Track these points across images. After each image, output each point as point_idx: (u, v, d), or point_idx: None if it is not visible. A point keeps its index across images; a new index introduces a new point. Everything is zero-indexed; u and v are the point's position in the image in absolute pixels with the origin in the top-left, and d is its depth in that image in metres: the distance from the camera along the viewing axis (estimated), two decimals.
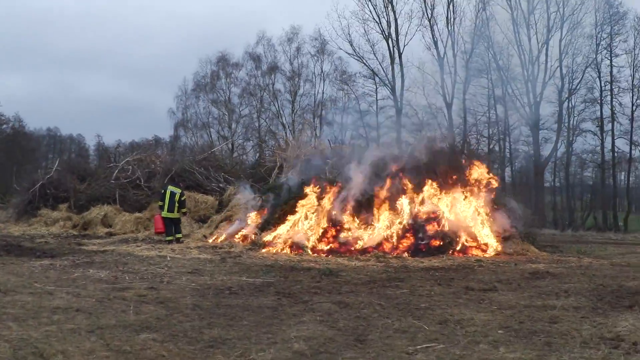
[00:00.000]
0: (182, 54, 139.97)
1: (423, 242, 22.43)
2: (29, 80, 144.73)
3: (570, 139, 62.01)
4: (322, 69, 72.53)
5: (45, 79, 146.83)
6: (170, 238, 23.55)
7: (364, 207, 23.76)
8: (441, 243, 22.50)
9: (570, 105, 61.22)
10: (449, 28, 61.28)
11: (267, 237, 22.88)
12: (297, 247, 21.95)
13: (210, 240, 24.40)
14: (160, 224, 23.72)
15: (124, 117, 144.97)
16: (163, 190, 24.60)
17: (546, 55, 58.84)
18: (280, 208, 24.70)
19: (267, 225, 24.23)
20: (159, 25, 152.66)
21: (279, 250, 21.79)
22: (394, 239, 22.59)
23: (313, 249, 22.00)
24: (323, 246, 22.31)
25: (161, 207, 23.99)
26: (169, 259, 18.41)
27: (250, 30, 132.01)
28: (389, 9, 62.80)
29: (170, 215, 23.72)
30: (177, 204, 23.85)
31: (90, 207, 31.12)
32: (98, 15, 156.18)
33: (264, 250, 21.81)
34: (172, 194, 23.85)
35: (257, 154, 60.00)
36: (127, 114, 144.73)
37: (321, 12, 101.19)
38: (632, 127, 59.77)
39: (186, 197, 25.21)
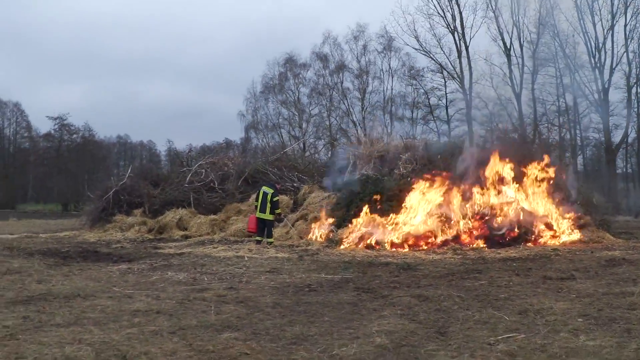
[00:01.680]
0: (244, 56, 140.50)
1: (499, 233, 22.23)
2: (90, 89, 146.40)
3: None
4: (389, 65, 72.57)
5: (106, 87, 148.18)
6: (259, 238, 23.28)
7: (445, 200, 23.58)
8: (517, 233, 22.31)
9: (638, 90, 60.30)
10: (514, 18, 60.86)
11: (344, 234, 22.76)
12: (373, 242, 21.85)
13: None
14: (253, 224, 23.61)
15: (191, 121, 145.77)
16: (257, 191, 24.48)
17: (612, 41, 58.18)
18: (355, 205, 24.57)
19: (343, 222, 24.14)
20: (217, 28, 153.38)
21: (356, 246, 21.68)
22: (471, 231, 22.45)
23: (391, 243, 21.87)
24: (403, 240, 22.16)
25: (256, 207, 23.81)
26: (246, 259, 18.42)
27: (315, 30, 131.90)
28: (453, 2, 62.77)
29: (262, 215, 23.33)
30: (269, 205, 23.30)
31: (164, 211, 31.30)
32: (153, 19, 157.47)
33: (341, 247, 21.72)
34: (265, 194, 23.40)
35: (330, 153, 60.07)
36: (194, 118, 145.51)
37: (386, 8, 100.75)
38: None
39: (278, 198, 24.49)
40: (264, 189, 23.78)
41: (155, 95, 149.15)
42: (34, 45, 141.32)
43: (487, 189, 23.73)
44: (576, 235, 22.89)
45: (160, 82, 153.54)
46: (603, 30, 58.37)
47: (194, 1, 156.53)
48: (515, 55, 61.36)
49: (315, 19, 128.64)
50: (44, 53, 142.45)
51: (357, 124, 69.93)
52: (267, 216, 23.26)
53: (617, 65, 58.29)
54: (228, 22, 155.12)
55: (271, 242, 23.14)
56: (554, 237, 22.64)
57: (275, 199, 23.53)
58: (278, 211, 24.17)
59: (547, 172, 24.44)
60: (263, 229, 23.41)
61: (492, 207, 23.20)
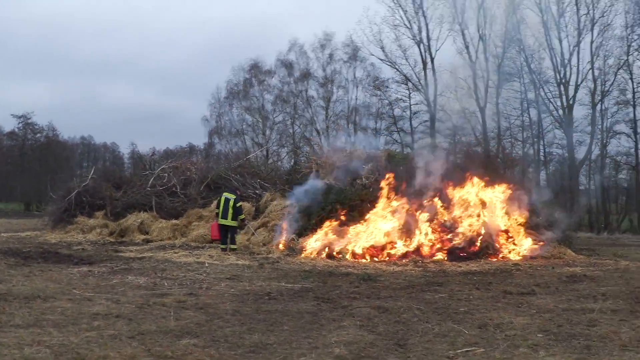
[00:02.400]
0: (208, 60, 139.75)
1: (460, 247, 22.37)
2: (55, 88, 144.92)
3: (604, 141, 61.72)
4: (354, 75, 72.59)
5: (71, 87, 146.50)
6: (224, 246, 22.88)
7: (406, 213, 23.68)
8: (479, 247, 22.43)
9: (603, 107, 60.93)
10: (480, 32, 61.18)
11: (305, 243, 22.80)
12: (334, 252, 21.91)
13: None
14: (216, 232, 23.30)
15: (155, 125, 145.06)
16: (218, 198, 24.21)
17: (578, 57, 58.68)
18: (317, 214, 24.60)
19: (304, 230, 24.17)
20: (181, 31, 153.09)
21: (317, 256, 21.74)
22: (432, 244, 22.57)
23: (353, 254, 21.96)
24: (364, 251, 22.24)
25: (217, 215, 23.43)
26: (207, 265, 18.44)
27: (281, 36, 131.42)
28: (420, 14, 62.81)
29: (224, 222, 22.99)
30: (231, 210, 23.00)
31: (126, 215, 31.19)
32: (118, 21, 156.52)
33: (302, 256, 21.77)
34: (227, 200, 23.16)
35: (292, 160, 60.08)
36: (158, 122, 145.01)
37: (353, 18, 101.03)
38: None
39: (241, 204, 24.20)
40: (226, 195, 23.64)
41: (119, 97, 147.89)
42: None
43: (449, 202, 23.86)
44: (537, 250, 23.06)
45: (125, 84, 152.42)
46: (569, 46, 58.93)
47: (159, 4, 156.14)
48: (481, 69, 61.74)
49: (281, 25, 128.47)
50: (7, 51, 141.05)
51: (321, 133, 69.98)
52: (230, 222, 23.00)
53: (582, 81, 58.88)
54: (192, 26, 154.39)
55: (234, 249, 22.91)
56: (515, 252, 22.80)
57: (238, 205, 23.40)
58: (242, 217, 24.00)
59: (509, 187, 24.61)
60: (226, 235, 23.11)
61: (454, 221, 23.32)
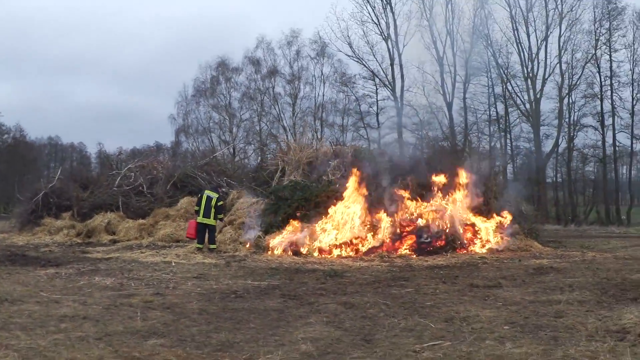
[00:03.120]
0: (174, 57, 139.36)
1: (426, 241, 22.50)
2: (19, 87, 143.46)
3: (572, 134, 62.34)
4: (322, 71, 72.50)
5: (36, 86, 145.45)
6: (200, 246, 22.53)
7: (372, 208, 23.78)
8: (445, 241, 22.57)
9: (570, 101, 61.57)
10: (448, 27, 61.46)
11: (272, 241, 22.85)
12: (300, 249, 21.97)
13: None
14: (193, 230, 22.98)
15: (122, 124, 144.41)
16: (200, 195, 23.86)
17: (545, 52, 59.42)
18: (284, 211, 24.65)
19: (270, 228, 24.21)
20: (143, 28, 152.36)
21: (283, 253, 21.80)
22: (398, 239, 22.68)
23: (319, 250, 22.05)
24: (330, 247, 22.33)
25: (197, 212, 23.09)
26: (173, 264, 18.46)
27: (247, 33, 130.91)
28: (388, 9, 63.05)
29: (205, 220, 22.70)
30: (213, 209, 22.77)
31: (93, 215, 31.07)
32: (81, 19, 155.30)
33: (268, 253, 21.82)
34: (209, 199, 22.90)
35: (259, 158, 60.02)
36: (124, 120, 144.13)
37: (320, 14, 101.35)
38: (632, 120, 60.25)
39: (223, 203, 24.17)
40: (208, 193, 23.37)
41: (85, 95, 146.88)
42: None
43: (416, 196, 23.98)
44: (504, 243, 23.24)
45: (90, 82, 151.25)
46: (537, 40, 59.44)
47: (122, 1, 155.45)
48: (448, 64, 62.01)
49: (247, 22, 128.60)
50: None
51: (288, 130, 69.84)
52: (211, 221, 22.86)
53: (549, 75, 59.41)
54: (156, 22, 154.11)
55: (214, 249, 22.87)
56: (481, 245, 22.97)
57: (220, 204, 23.24)
58: (221, 216, 23.67)
59: (476, 180, 24.76)
60: (204, 234, 22.89)
61: (420, 215, 23.44)
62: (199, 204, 23.17)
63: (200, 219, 22.78)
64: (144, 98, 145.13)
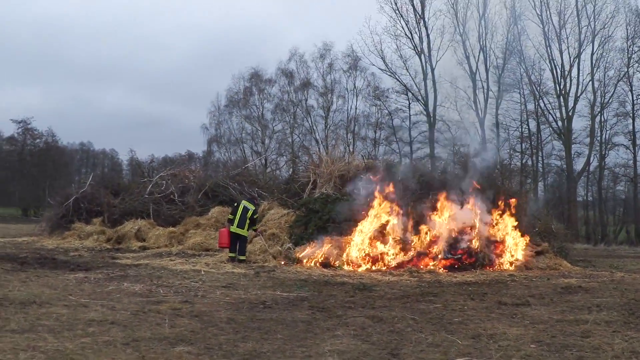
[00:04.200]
0: (204, 66, 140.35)
1: (456, 257, 22.39)
2: (50, 92, 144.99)
3: (603, 152, 62.04)
4: (354, 84, 72.72)
5: (67, 92, 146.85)
6: (232, 255, 22.39)
7: (403, 223, 23.70)
8: (474, 258, 22.45)
9: (602, 119, 61.34)
10: (481, 43, 61.39)
11: (302, 253, 22.79)
12: (330, 262, 21.89)
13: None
14: (226, 239, 22.57)
15: (153, 131, 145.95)
16: (236, 204, 23.68)
17: (578, 69, 59.20)
18: (314, 223, 24.60)
19: (300, 240, 24.17)
20: (173, 36, 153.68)
21: (313, 265, 21.75)
22: (427, 254, 22.59)
23: (348, 263, 21.98)
24: (360, 261, 22.24)
25: (230, 221, 22.75)
26: (203, 273, 18.44)
27: (279, 43, 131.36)
28: (421, 24, 63.10)
29: (239, 231, 22.44)
30: (248, 221, 22.62)
31: (123, 221, 31.23)
32: (105, 26, 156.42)
33: (298, 265, 21.77)
34: (245, 210, 22.74)
35: (291, 170, 60.18)
36: (156, 128, 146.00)
37: (353, 27, 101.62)
38: None
39: (258, 215, 24.08)
40: (245, 204, 23.14)
41: (115, 102, 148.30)
42: None
43: (446, 212, 23.87)
44: (533, 261, 23.09)
45: (119, 89, 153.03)
46: (570, 58, 59.26)
47: (152, 8, 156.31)
48: (481, 80, 61.96)
49: (277, 32, 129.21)
50: (2, 54, 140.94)
51: (320, 142, 69.99)
52: (244, 232, 22.67)
53: (582, 93, 59.20)
54: (182, 31, 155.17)
55: (244, 260, 22.45)
56: (511, 263, 22.83)
57: (256, 216, 23.22)
58: (255, 228, 23.55)
59: (507, 198, 24.65)
60: (236, 244, 22.58)
61: (450, 231, 23.34)
62: (234, 213, 22.92)
63: (234, 228, 22.47)
64: (174, 106, 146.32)
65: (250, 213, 22.74)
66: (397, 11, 63.53)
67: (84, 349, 8.15)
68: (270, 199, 30.87)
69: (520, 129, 65.47)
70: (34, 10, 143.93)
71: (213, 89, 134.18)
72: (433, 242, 23.03)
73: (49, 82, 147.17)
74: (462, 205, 24.07)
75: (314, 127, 73.75)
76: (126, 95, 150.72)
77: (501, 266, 22.64)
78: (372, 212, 23.84)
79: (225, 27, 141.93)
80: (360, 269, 21.54)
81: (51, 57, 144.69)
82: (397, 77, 65.42)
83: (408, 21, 63.51)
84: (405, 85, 65.73)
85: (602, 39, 58.65)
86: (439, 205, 23.99)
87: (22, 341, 8.43)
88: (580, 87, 59.45)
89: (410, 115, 69.39)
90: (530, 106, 63.33)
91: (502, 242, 23.55)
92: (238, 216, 22.60)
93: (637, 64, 59.95)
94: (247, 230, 22.74)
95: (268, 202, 30.05)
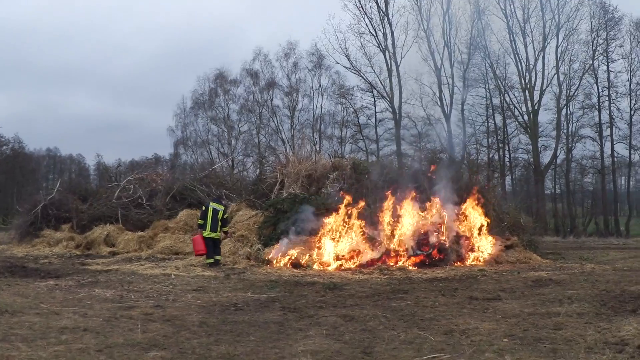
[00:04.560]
0: (167, 67, 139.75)
1: (426, 254, 22.51)
2: (13, 99, 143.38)
3: (570, 145, 62.38)
4: (319, 83, 72.76)
5: (30, 98, 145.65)
6: (210, 261, 21.84)
7: (369, 220, 23.79)
8: (444, 254, 22.58)
9: (568, 112, 61.68)
10: (445, 39, 61.58)
11: (271, 253, 22.81)
12: (300, 262, 21.92)
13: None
14: (202, 245, 21.90)
15: (119, 135, 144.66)
16: (204, 207, 22.92)
17: (543, 63, 59.44)
18: (283, 224, 24.65)
19: (269, 241, 24.21)
20: (135, 38, 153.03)
21: (283, 266, 21.79)
22: (397, 252, 22.68)
23: (318, 263, 22.04)
24: (330, 260, 22.29)
25: (201, 226, 22.18)
26: (173, 277, 18.44)
27: (242, 42, 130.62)
28: (385, 21, 63.11)
29: (213, 235, 22.11)
30: (220, 223, 22.34)
31: (92, 227, 31.12)
32: (67, 30, 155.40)
33: (268, 266, 21.79)
34: (215, 212, 22.31)
35: (258, 170, 60.17)
36: (121, 132, 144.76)
37: (317, 26, 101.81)
38: (630, 131, 60.46)
39: (228, 215, 23.88)
40: (214, 205, 22.72)
41: (79, 107, 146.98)
42: None
43: (414, 208, 23.96)
44: (503, 255, 23.27)
45: (82, 93, 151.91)
46: (534, 51, 59.57)
47: (111, 10, 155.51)
48: (446, 76, 62.16)
49: (238, 31, 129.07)
50: None
51: (286, 142, 69.97)
52: (218, 235, 22.53)
53: (547, 86, 59.54)
54: (142, 33, 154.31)
55: (219, 260, 22.28)
56: (480, 257, 22.98)
57: (226, 216, 23.22)
58: (226, 229, 23.25)
59: (474, 193, 24.79)
60: (212, 248, 22.12)
61: (418, 228, 23.43)
62: (203, 217, 22.40)
63: (207, 233, 22.10)
64: (139, 109, 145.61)
65: (220, 214, 22.49)
66: (360, 8, 63.65)
67: (58, 357, 8.17)
68: (238, 201, 30.87)
69: (486, 124, 65.77)
70: None
71: (178, 91, 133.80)
72: (402, 239, 23.13)
73: (11, 87, 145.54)
74: (430, 201, 24.19)
75: (280, 127, 73.79)
76: (90, 99, 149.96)
77: (471, 261, 22.80)
78: (340, 211, 23.89)
79: (188, 28, 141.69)
80: (330, 268, 21.60)
81: (13, 62, 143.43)
82: (361, 74, 65.50)
83: (372, 18, 63.65)
84: (370, 83, 65.84)
85: (567, 32, 59.04)
86: (406, 202, 24.08)
87: None
88: (545, 80, 59.85)
89: (375, 112, 69.59)
90: (496, 101, 63.67)
91: (471, 237, 23.71)
92: (209, 219, 22.20)
93: (602, 56, 60.43)
94: (220, 231, 22.54)
95: (236, 204, 30.05)
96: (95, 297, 13.97)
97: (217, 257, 22.24)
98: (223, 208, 22.97)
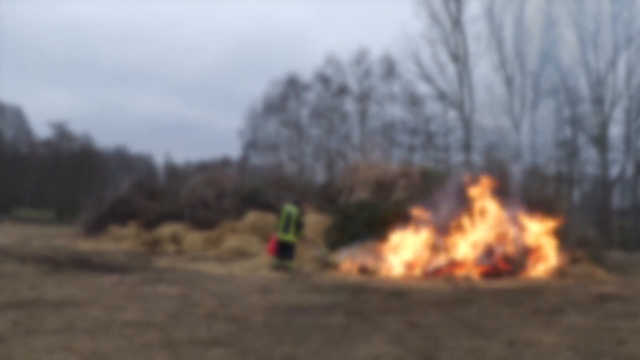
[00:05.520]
0: (236, 69, 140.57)
1: (492, 264, 22.28)
2: (81, 96, 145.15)
3: (639, 160, 61.41)
4: (390, 90, 72.59)
5: (98, 96, 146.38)
6: (277, 263, 21.52)
7: (437, 228, 23.60)
8: (510, 265, 22.33)
9: (638, 126, 60.67)
10: (517, 49, 61.13)
11: (337, 258, 22.73)
12: (366, 268, 21.80)
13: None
14: (272, 246, 21.85)
15: (186, 135, 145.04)
16: (281, 209, 22.62)
17: (614, 75, 58.55)
18: (350, 229, 24.56)
19: (336, 245, 24.12)
20: (204, 40, 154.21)
21: (348, 270, 21.69)
22: (463, 261, 22.48)
23: (384, 269, 21.91)
24: (396, 267, 22.15)
25: (278, 228, 21.93)
26: (238, 277, 18.44)
27: (311, 47, 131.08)
28: (457, 30, 62.84)
29: (283, 237, 21.49)
30: (293, 226, 21.55)
31: (159, 225, 31.36)
32: (133, 29, 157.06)
33: (334, 270, 21.69)
34: (289, 215, 21.72)
35: (327, 175, 60.20)
36: (189, 131, 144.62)
37: (388, 32, 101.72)
38: None
39: (304, 219, 22.67)
40: (288, 208, 22.12)
41: (147, 106, 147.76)
42: (26, 48, 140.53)
43: (482, 220, 23.74)
44: (570, 269, 22.95)
45: (153, 92, 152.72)
46: (605, 64, 58.84)
47: (183, 11, 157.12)
48: (517, 86, 61.68)
49: (313, 36, 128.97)
50: (36, 57, 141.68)
51: (356, 148, 69.99)
52: (290, 238, 21.63)
53: (618, 99, 58.76)
54: (219, 35, 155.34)
55: (289, 266, 21.43)
56: (546, 270, 22.68)
57: (301, 220, 22.15)
58: (302, 233, 22.29)
59: (544, 205, 24.50)
60: (283, 251, 21.61)
61: (486, 238, 23.22)
62: (281, 219, 22.01)
63: (279, 234, 21.69)
64: (207, 111, 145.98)
65: (294, 217, 21.74)
66: (433, 17, 63.45)
67: (120, 350, 8.15)
68: (306, 204, 30.90)
69: (555, 136, 65.18)
70: (59, 12, 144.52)
71: (246, 94, 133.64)
72: (468, 248, 22.92)
73: (81, 85, 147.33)
74: (498, 211, 23.95)
75: (351, 133, 73.75)
76: (159, 99, 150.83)
77: (537, 273, 22.51)
78: (408, 218, 23.73)
79: (258, 30, 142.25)
80: (395, 275, 21.46)
81: (81, 61, 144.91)
82: (433, 83, 65.28)
83: (444, 27, 63.44)
84: (441, 91, 65.58)
85: (638, 44, 58.28)
86: (475, 211, 23.86)
87: (57, 342, 8.46)
88: (616, 93, 59.12)
89: (446, 121, 69.32)
90: (566, 113, 63.05)
91: (538, 249, 23.40)
92: (282, 222, 21.80)
93: None
94: (294, 235, 21.70)
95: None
96: (159, 294, 14.00)
97: (287, 262, 21.48)
98: (298, 211, 22.05)
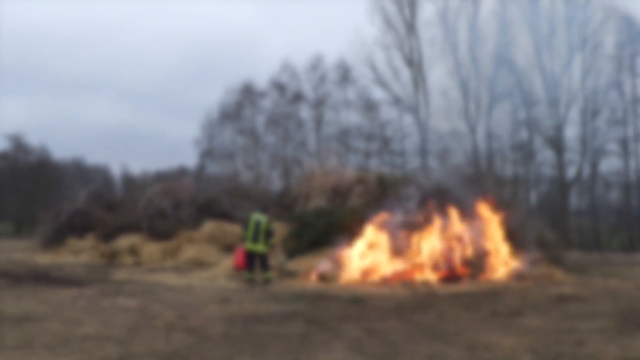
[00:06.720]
0: (186, 77, 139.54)
1: (450, 268, 22.44)
2: (32, 106, 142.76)
3: (595, 161, 61.98)
4: (346, 96, 72.67)
5: (50, 105, 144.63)
6: (250, 276, 20.48)
7: (394, 234, 23.71)
8: (468, 269, 22.50)
9: (593, 127, 61.25)
10: (471, 53, 61.45)
11: (295, 266, 22.78)
12: (324, 275, 21.86)
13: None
14: (240, 259, 21.16)
15: (143, 143, 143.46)
16: (248, 219, 21.40)
17: (569, 77, 59.04)
18: (308, 236, 24.61)
19: (294, 253, 24.18)
20: (155, 47, 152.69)
21: (307, 278, 21.75)
22: (421, 266, 22.61)
23: (341, 276, 21.98)
24: (353, 274, 22.24)
25: (245, 239, 20.85)
26: (196, 287, 18.45)
27: (269, 54, 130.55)
28: (412, 35, 63.07)
29: (253, 247, 20.46)
30: (262, 234, 20.50)
31: (117, 237, 31.24)
32: (82, 35, 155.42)
33: (292, 278, 21.74)
34: (257, 223, 20.62)
35: (283, 183, 60.15)
36: (143, 141, 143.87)
37: (343, 38, 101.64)
38: None
39: (274, 228, 21.85)
40: (256, 216, 21.00)
41: (102, 115, 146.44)
42: None
43: (439, 223, 23.89)
44: (527, 271, 23.13)
45: (104, 101, 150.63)
46: (560, 66, 59.31)
47: (130, 18, 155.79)
48: (472, 90, 62.00)
49: (266, 41, 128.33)
50: None
51: (312, 155, 69.98)
52: (260, 248, 20.58)
53: (573, 101, 59.26)
54: (162, 40, 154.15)
55: (269, 278, 20.65)
56: (504, 273, 22.86)
57: (271, 228, 21.07)
58: (272, 241, 21.28)
59: (500, 207, 24.69)
60: (253, 262, 20.68)
61: (443, 242, 23.35)
62: (246, 228, 20.90)
63: (249, 245, 20.62)
64: (162, 119, 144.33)
65: (263, 225, 20.69)
66: (387, 22, 63.60)
67: None
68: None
69: (511, 138, 65.55)
70: (10, 19, 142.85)
71: (202, 101, 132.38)
72: (426, 253, 23.06)
73: (33, 95, 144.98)
74: (455, 215, 24.11)
75: (306, 140, 73.72)
76: (112, 108, 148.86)
77: (495, 276, 22.68)
78: (366, 225, 23.85)
79: (210, 33, 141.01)
80: (354, 282, 21.52)
81: (33, 69, 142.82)
82: (388, 88, 65.40)
83: (398, 32, 63.64)
84: (396, 97, 65.72)
85: (593, 45, 58.81)
86: (431, 216, 24.00)
87: (18, 357, 8.46)
88: (571, 95, 59.60)
89: (401, 126, 69.47)
90: (522, 115, 63.43)
91: (496, 252, 23.59)
92: (251, 231, 20.64)
93: (628, 71, 60.12)
94: (264, 244, 20.67)
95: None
96: (118, 307, 14.00)
97: (267, 275, 20.70)
98: (266, 219, 20.97)
